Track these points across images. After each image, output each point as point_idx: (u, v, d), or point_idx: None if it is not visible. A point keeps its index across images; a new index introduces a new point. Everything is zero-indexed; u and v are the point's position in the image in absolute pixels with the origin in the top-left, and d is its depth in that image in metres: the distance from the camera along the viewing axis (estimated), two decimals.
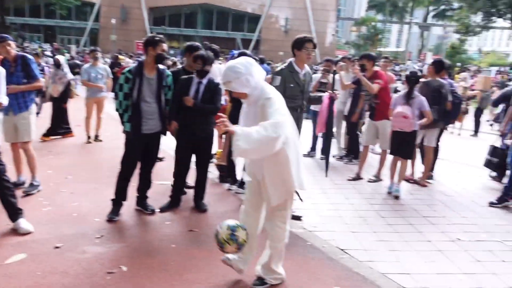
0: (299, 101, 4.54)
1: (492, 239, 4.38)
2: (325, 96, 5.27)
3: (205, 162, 4.95)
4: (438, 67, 6.15)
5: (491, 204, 5.43)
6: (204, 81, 4.69)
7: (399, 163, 5.76)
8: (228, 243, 2.95)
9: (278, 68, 4.52)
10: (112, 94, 8.57)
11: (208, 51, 5.08)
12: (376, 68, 6.40)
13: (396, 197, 5.56)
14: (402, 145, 5.64)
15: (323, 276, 3.45)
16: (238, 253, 3.12)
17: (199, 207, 4.94)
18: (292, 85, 4.46)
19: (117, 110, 4.47)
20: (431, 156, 6.32)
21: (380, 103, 6.17)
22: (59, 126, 8.33)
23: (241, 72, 2.87)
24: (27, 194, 5.08)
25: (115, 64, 16.35)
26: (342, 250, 3.96)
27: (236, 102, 5.37)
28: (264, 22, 45.24)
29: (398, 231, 4.47)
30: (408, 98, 5.60)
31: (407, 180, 6.27)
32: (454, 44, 44.06)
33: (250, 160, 3.17)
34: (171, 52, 39.92)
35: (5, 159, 4.07)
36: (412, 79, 5.66)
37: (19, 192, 5.01)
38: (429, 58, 45.73)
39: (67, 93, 8.33)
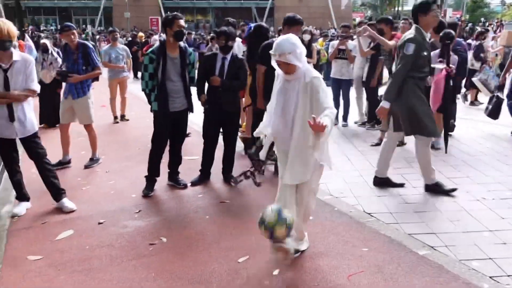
0: (427, 70, 4.48)
1: None
2: (442, 70, 5.26)
3: (233, 136, 5.13)
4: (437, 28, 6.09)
5: None
6: (228, 56, 4.83)
7: None
8: (277, 226, 2.83)
9: (411, 35, 4.31)
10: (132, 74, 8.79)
11: (230, 27, 5.20)
12: (394, 32, 6.37)
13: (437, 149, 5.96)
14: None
15: (351, 239, 3.63)
16: (287, 237, 2.96)
17: (227, 180, 5.13)
18: (425, 53, 4.32)
19: (143, 90, 4.64)
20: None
21: None
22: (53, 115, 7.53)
23: (297, 45, 2.96)
24: (87, 167, 5.67)
25: (133, 42, 16.34)
26: (368, 214, 4.12)
27: (256, 75, 5.49)
28: None
29: (422, 192, 4.60)
30: (443, 56, 5.65)
31: None
32: None
33: (280, 137, 3.23)
34: (185, 25, 39.85)
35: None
36: (446, 40, 5.68)
37: (80, 166, 5.68)
38: (450, 14, 44.41)
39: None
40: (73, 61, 5.43)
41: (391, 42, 6.03)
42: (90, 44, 5.64)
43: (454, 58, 5.79)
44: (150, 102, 4.71)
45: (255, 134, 3.54)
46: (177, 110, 4.67)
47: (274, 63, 3.05)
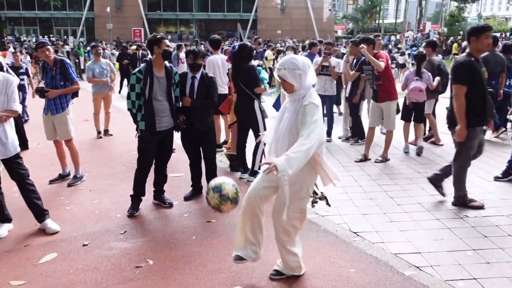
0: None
1: (498, 214, 4.55)
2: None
3: (210, 152, 5.20)
4: (434, 47, 7.30)
5: (496, 179, 5.61)
6: (198, 75, 4.92)
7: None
8: (222, 204, 3.05)
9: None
10: (118, 88, 8.73)
11: (199, 46, 5.38)
12: (376, 51, 6.50)
13: (420, 149, 6.84)
14: (416, 113, 6.89)
15: (338, 260, 3.65)
16: (235, 207, 3.17)
17: None
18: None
19: (129, 109, 4.62)
20: (433, 119, 7.40)
21: (383, 84, 6.31)
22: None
23: (298, 66, 2.99)
24: (70, 185, 5.63)
25: (124, 55, 15.86)
26: (354, 233, 4.15)
27: (240, 93, 5.55)
28: (260, 1, 44.75)
29: (407, 211, 4.66)
30: (418, 74, 6.71)
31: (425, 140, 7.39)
32: (452, 12, 43.57)
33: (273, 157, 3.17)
34: (169, 37, 39.79)
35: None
36: (420, 58, 6.76)
37: (64, 184, 5.67)
38: (428, 28, 45.45)
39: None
40: (51, 77, 5.45)
41: (382, 63, 6.14)
42: (67, 60, 5.62)
43: (428, 74, 6.76)
44: (136, 122, 4.68)
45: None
46: (163, 130, 4.66)
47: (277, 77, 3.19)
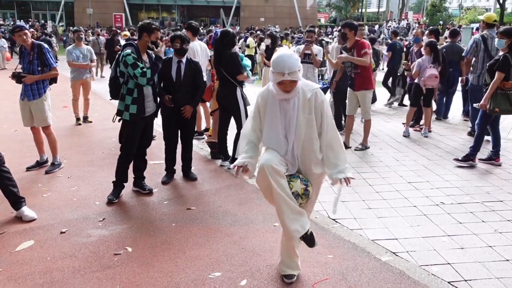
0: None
1: (473, 201, 4.66)
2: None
3: (189, 136, 5.33)
4: (437, 34, 8.19)
5: (455, 160, 5.87)
6: (184, 60, 4.99)
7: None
8: (304, 195, 2.90)
9: None
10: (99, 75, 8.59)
11: (183, 31, 5.49)
12: (358, 38, 6.51)
13: (425, 137, 7.36)
14: (428, 98, 7.40)
15: (316, 246, 3.68)
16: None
17: (188, 176, 5.35)
18: None
19: (148, 80, 4.40)
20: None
21: (361, 72, 6.33)
22: None
23: (299, 60, 2.78)
24: (48, 172, 5.53)
25: (113, 41, 15.23)
26: (333, 219, 4.20)
27: (223, 80, 5.54)
28: None
29: (385, 198, 4.72)
30: (435, 61, 7.13)
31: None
32: (434, 2, 43.90)
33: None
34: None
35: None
36: (434, 45, 7.17)
37: (41, 171, 5.57)
38: (411, 17, 45.75)
39: None
40: (28, 62, 5.32)
41: (366, 58, 6.13)
42: (45, 45, 5.49)
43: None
44: (126, 106, 4.50)
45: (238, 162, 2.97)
46: (148, 115, 4.65)
47: (273, 84, 2.81)
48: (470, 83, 7.31)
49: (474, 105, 5.91)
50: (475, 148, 5.78)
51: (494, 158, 5.90)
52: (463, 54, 7.64)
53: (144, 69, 4.36)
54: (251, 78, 6.30)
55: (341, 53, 6.77)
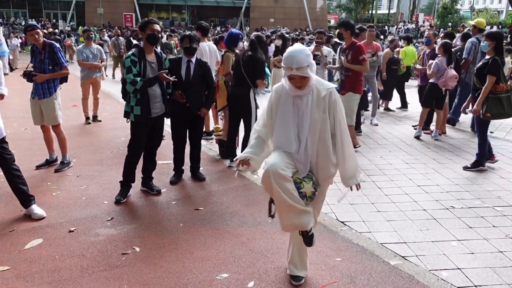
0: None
1: (483, 205, 4.60)
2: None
3: (198, 136, 5.35)
4: (451, 38, 8.35)
5: (465, 169, 5.76)
6: (193, 59, 5.02)
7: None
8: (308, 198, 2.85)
9: None
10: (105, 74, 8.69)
11: (194, 31, 5.83)
12: (356, 39, 6.37)
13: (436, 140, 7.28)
14: (442, 99, 7.32)
15: (324, 249, 3.67)
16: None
17: (196, 176, 5.36)
18: None
19: (132, 92, 4.43)
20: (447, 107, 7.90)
21: (352, 75, 6.21)
22: None
23: (310, 55, 2.73)
24: (57, 171, 5.57)
25: (131, 42, 15.24)
26: (342, 222, 4.17)
27: (239, 79, 5.59)
28: None
29: (394, 201, 4.68)
30: (451, 62, 7.06)
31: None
32: (445, 4, 43.56)
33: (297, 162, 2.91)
34: (160, 23, 39.35)
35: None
36: (449, 47, 7.17)
37: (51, 169, 5.62)
38: (421, 19, 45.42)
39: None
40: (40, 61, 5.36)
41: (365, 64, 6.06)
42: (56, 44, 5.54)
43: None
44: (131, 107, 4.52)
45: (240, 156, 3.01)
46: (155, 116, 4.64)
47: (285, 79, 2.78)
48: (465, 82, 7.63)
49: (467, 110, 5.86)
50: (482, 155, 5.72)
51: (489, 157, 5.95)
52: (463, 56, 7.69)
53: (137, 79, 4.35)
54: (267, 88, 6.32)
55: (340, 53, 6.73)
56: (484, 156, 5.74)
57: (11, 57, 17.63)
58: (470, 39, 7.94)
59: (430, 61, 7.35)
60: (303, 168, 2.88)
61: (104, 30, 22.18)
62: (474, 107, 5.54)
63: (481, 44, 5.73)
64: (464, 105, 6.26)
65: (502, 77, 5.44)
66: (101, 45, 17.35)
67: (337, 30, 6.78)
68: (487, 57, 5.57)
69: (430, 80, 7.26)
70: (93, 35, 8.60)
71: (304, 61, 2.66)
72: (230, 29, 7.37)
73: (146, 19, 4.68)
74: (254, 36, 5.77)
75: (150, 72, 4.50)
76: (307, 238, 2.94)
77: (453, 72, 6.99)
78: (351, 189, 2.94)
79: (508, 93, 5.41)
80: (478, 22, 8.10)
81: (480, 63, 5.69)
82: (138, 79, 4.36)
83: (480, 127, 5.70)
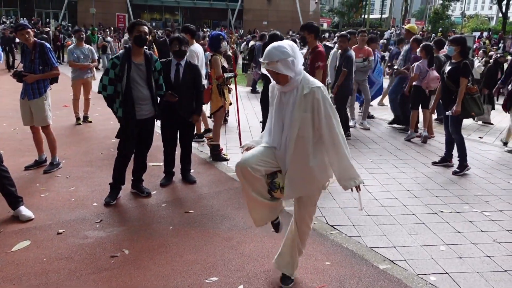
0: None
1: (472, 210, 4.64)
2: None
3: (188, 139, 5.36)
4: (440, 45, 8.28)
5: (454, 173, 5.85)
6: (183, 62, 5.02)
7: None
8: (281, 189, 2.88)
9: None
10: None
11: (182, 34, 5.76)
12: (319, 43, 6.28)
13: (425, 138, 7.52)
14: (427, 100, 7.57)
15: (314, 252, 3.67)
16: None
17: (187, 179, 5.34)
18: None
19: (100, 92, 4.47)
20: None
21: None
22: None
23: (288, 53, 2.65)
24: (46, 172, 5.51)
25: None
26: (331, 226, 4.18)
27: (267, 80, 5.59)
28: None
29: (384, 205, 4.70)
30: (431, 64, 7.31)
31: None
32: (437, 9, 43.94)
33: (278, 156, 2.92)
34: (153, 24, 39.18)
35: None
36: (430, 49, 7.40)
37: (40, 170, 5.56)
38: (413, 24, 45.77)
39: None
40: (30, 61, 5.30)
41: (317, 74, 5.88)
42: (47, 44, 5.49)
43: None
44: (110, 106, 4.58)
45: (245, 144, 3.16)
46: (143, 118, 4.60)
47: (265, 72, 2.78)
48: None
49: (447, 113, 5.94)
50: (463, 155, 5.88)
51: (448, 159, 6.19)
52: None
53: (108, 84, 4.36)
54: None
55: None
56: (465, 156, 5.87)
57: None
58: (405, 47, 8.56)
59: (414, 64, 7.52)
60: (282, 165, 2.90)
61: (107, 30, 21.95)
62: (455, 108, 5.72)
63: (447, 48, 6.10)
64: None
65: (472, 79, 5.87)
66: (105, 46, 17.34)
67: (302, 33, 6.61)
68: (454, 61, 5.83)
69: (414, 83, 7.46)
70: (83, 35, 8.51)
71: (274, 56, 2.65)
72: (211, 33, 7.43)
73: (133, 21, 4.65)
74: (269, 35, 5.83)
75: (136, 74, 4.45)
76: (275, 226, 3.23)
77: (435, 73, 7.19)
78: (352, 190, 2.86)
79: (478, 94, 5.86)
80: (411, 27, 9.24)
81: (449, 67, 5.88)
82: (111, 85, 4.38)
83: (455, 127, 5.87)
